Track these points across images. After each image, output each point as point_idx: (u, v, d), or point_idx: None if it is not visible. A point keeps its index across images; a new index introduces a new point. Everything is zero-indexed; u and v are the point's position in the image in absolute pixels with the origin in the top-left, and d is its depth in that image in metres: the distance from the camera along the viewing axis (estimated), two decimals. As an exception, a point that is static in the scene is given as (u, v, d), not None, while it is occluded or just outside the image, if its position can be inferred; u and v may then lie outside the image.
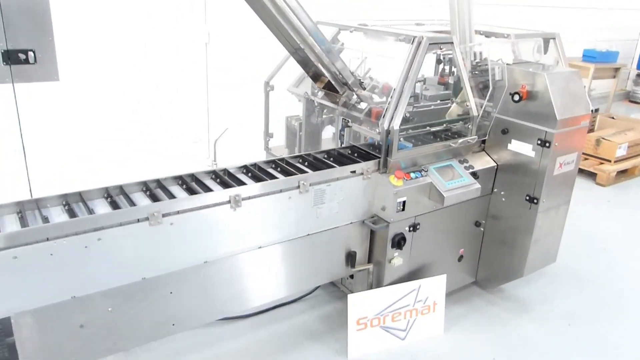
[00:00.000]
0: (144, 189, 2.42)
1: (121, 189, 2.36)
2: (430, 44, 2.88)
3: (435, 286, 3.08)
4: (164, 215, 2.19)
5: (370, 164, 2.78)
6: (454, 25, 3.18)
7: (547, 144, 2.87)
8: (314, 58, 2.80)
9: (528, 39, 3.51)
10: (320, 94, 3.25)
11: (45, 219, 2.10)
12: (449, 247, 3.19)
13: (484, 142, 3.21)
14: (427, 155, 2.95)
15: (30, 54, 3.80)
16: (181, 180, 2.50)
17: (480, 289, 3.61)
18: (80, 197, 2.27)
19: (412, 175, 2.84)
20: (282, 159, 2.80)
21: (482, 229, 3.31)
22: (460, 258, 3.29)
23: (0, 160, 3.93)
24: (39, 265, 1.97)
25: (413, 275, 3.07)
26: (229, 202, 2.33)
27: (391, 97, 2.77)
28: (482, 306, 3.47)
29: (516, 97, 2.94)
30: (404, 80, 2.79)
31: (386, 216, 2.80)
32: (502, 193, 3.18)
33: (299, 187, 2.53)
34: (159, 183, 2.44)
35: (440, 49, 3.03)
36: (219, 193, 2.32)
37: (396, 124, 2.69)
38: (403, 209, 2.81)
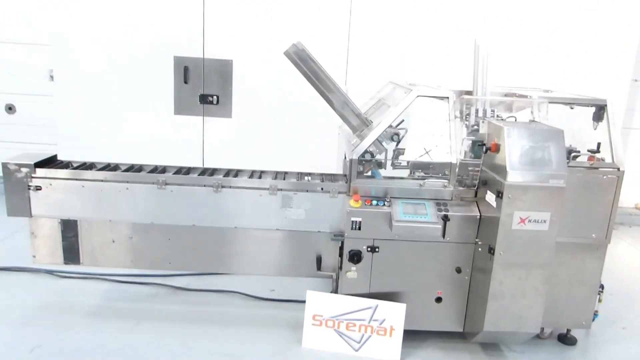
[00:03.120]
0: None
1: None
2: (418, 96, 3.36)
3: (394, 312, 3.34)
4: (167, 184, 3.38)
5: (338, 186, 3.39)
6: (475, 84, 3.52)
7: (501, 195, 2.94)
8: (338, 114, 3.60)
9: (575, 105, 3.50)
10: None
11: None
12: (420, 283, 3.39)
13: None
14: (403, 190, 3.35)
15: (215, 97, 5.65)
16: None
17: (482, 349, 3.55)
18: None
19: (374, 202, 3.31)
20: (285, 172, 3.66)
21: (466, 278, 3.37)
22: (439, 300, 3.42)
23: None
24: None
25: (376, 297, 3.41)
26: (212, 186, 3.37)
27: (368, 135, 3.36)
28: (464, 359, 3.44)
29: (484, 148, 3.10)
30: (386, 123, 3.35)
31: (344, 231, 3.33)
32: (480, 243, 3.25)
33: (269, 189, 3.38)
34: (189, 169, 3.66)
35: (432, 102, 3.43)
36: (203, 178, 3.39)
37: (355, 155, 3.28)
38: (359, 229, 3.29)
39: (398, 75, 4.64)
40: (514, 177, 2.91)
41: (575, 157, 3.47)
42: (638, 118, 6.37)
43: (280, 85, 5.67)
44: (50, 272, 4.23)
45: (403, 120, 3.71)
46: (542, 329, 3.65)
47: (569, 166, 3.26)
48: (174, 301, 3.99)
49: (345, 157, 3.71)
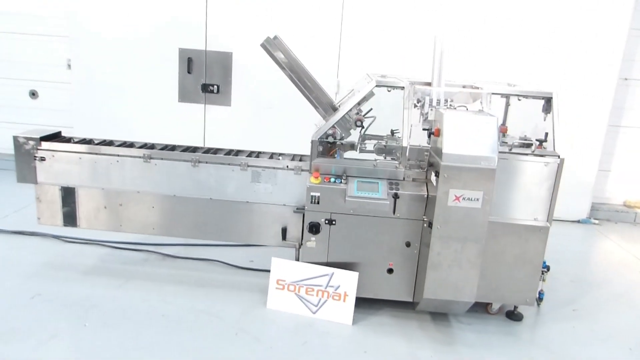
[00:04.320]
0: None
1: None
2: (375, 85, 3.72)
3: (347, 279, 3.71)
4: (151, 158, 3.83)
5: (302, 164, 3.78)
6: (432, 76, 3.85)
7: (438, 174, 3.28)
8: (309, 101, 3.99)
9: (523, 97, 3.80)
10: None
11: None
12: (373, 255, 3.73)
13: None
14: (360, 170, 3.72)
15: (216, 87, 6.11)
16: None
17: (431, 319, 3.88)
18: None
19: (332, 179, 3.68)
20: (258, 152, 4.07)
21: (415, 252, 3.71)
22: (390, 271, 3.76)
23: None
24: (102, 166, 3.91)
25: (334, 266, 3.77)
26: (190, 161, 3.81)
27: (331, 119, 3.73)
28: (412, 326, 3.77)
29: (428, 133, 3.43)
30: (345, 110, 3.72)
31: (305, 204, 3.71)
32: (426, 220, 3.58)
33: (240, 165, 3.79)
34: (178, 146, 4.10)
35: (389, 91, 3.77)
36: (182, 153, 3.83)
37: (315, 137, 3.66)
38: (318, 203, 3.66)
39: (387, 70, 4.98)
40: (449, 158, 3.23)
41: (528, 145, 3.75)
42: (626, 116, 6.52)
43: (275, 76, 6.08)
44: (56, 237, 4.76)
45: (371, 109, 4.08)
46: (491, 304, 3.96)
47: (512, 153, 3.59)
48: (162, 266, 4.45)
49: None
